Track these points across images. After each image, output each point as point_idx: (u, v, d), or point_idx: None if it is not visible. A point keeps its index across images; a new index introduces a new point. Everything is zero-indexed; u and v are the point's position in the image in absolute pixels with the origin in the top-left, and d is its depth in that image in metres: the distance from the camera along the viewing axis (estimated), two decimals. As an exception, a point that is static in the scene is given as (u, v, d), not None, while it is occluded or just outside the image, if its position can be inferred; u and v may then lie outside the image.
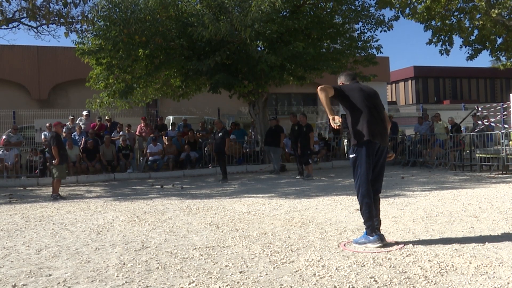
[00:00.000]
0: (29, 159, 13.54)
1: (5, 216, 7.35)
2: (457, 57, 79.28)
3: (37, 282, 3.87)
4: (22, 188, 11.93)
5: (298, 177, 12.31)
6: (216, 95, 14.92)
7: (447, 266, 3.92)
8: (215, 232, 5.63)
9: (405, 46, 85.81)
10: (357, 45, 15.32)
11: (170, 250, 4.79)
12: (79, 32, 13.66)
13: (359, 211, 4.82)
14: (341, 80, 5.02)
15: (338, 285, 3.54)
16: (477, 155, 12.96)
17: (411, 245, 4.63)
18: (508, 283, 3.47)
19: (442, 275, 3.69)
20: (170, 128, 16.66)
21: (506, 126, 16.77)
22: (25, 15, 13.33)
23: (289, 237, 5.22)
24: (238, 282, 3.68)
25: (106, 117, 15.98)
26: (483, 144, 13.32)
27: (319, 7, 15.14)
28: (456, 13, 19.98)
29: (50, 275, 4.04)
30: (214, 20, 12.36)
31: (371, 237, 4.61)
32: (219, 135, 12.58)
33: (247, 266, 4.11)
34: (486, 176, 11.31)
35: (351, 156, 4.77)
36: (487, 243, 4.62)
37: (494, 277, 3.62)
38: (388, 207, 7.08)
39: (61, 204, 8.62)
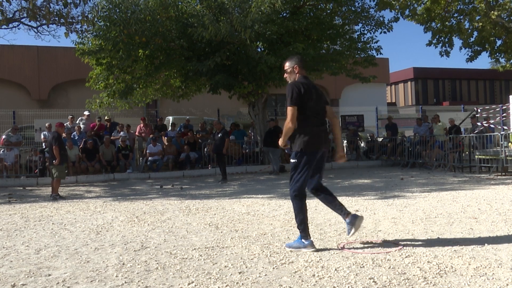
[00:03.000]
0: (28, 159, 13.54)
1: (5, 216, 7.35)
2: (457, 58, 79.44)
3: (37, 282, 3.87)
4: (21, 188, 11.93)
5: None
6: (216, 95, 14.93)
7: (446, 267, 3.92)
8: (215, 232, 5.63)
9: (405, 48, 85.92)
10: (357, 46, 15.32)
11: (170, 250, 4.79)
12: (79, 32, 13.67)
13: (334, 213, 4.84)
14: (295, 63, 4.70)
15: (337, 286, 3.54)
16: (476, 156, 12.98)
17: (410, 246, 4.64)
18: (507, 285, 3.48)
19: (441, 276, 3.69)
20: (169, 129, 16.67)
21: (505, 127, 16.80)
22: (25, 15, 13.34)
23: (288, 237, 5.22)
24: (237, 283, 3.68)
25: (106, 117, 15.97)
26: (482, 145, 13.34)
27: (319, 8, 15.15)
28: (455, 15, 20.03)
29: (49, 275, 4.04)
30: (214, 21, 12.37)
31: (305, 242, 4.58)
32: (219, 135, 12.62)
33: (246, 267, 4.11)
34: (485, 178, 11.32)
35: (292, 160, 4.61)
36: (486, 244, 4.63)
37: (493, 278, 3.63)
38: (387, 208, 7.09)
39: (61, 204, 8.62)
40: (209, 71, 13.24)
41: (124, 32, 12.73)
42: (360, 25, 15.68)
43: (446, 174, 12.47)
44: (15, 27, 14.53)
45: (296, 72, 4.73)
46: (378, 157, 16.63)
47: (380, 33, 15.76)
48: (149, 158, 14.45)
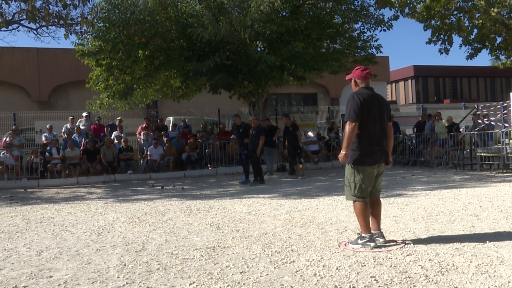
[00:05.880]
0: (29, 160, 13.54)
1: (6, 218, 7.36)
2: (457, 56, 79.24)
3: (38, 283, 3.87)
4: (22, 190, 11.93)
5: (287, 176, 12.56)
6: (216, 95, 14.92)
7: (448, 265, 3.92)
8: (216, 232, 5.63)
9: (405, 46, 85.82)
10: (357, 45, 15.31)
11: (171, 251, 4.79)
12: (79, 33, 13.69)
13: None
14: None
15: (339, 285, 3.54)
16: (477, 154, 12.95)
17: (411, 244, 4.64)
18: (509, 282, 3.47)
19: (443, 274, 3.69)
20: (170, 129, 16.67)
21: (506, 124, 16.78)
22: (24, 17, 13.37)
23: (289, 237, 5.22)
24: (239, 283, 3.68)
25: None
26: (484, 143, 13.32)
27: (319, 7, 15.14)
28: (455, 12, 19.99)
29: (51, 277, 4.04)
30: (213, 20, 12.35)
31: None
32: (253, 133, 11.55)
33: (247, 267, 4.11)
34: (487, 175, 11.31)
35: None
36: (487, 242, 4.62)
37: (494, 276, 3.62)
38: (388, 206, 7.08)
39: (62, 206, 8.62)
40: (209, 71, 13.22)
41: (124, 33, 12.71)
42: (360, 23, 15.68)
43: (448, 172, 12.45)
44: (14, 29, 14.57)
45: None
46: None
47: (380, 31, 15.78)
48: (149, 158, 14.44)
